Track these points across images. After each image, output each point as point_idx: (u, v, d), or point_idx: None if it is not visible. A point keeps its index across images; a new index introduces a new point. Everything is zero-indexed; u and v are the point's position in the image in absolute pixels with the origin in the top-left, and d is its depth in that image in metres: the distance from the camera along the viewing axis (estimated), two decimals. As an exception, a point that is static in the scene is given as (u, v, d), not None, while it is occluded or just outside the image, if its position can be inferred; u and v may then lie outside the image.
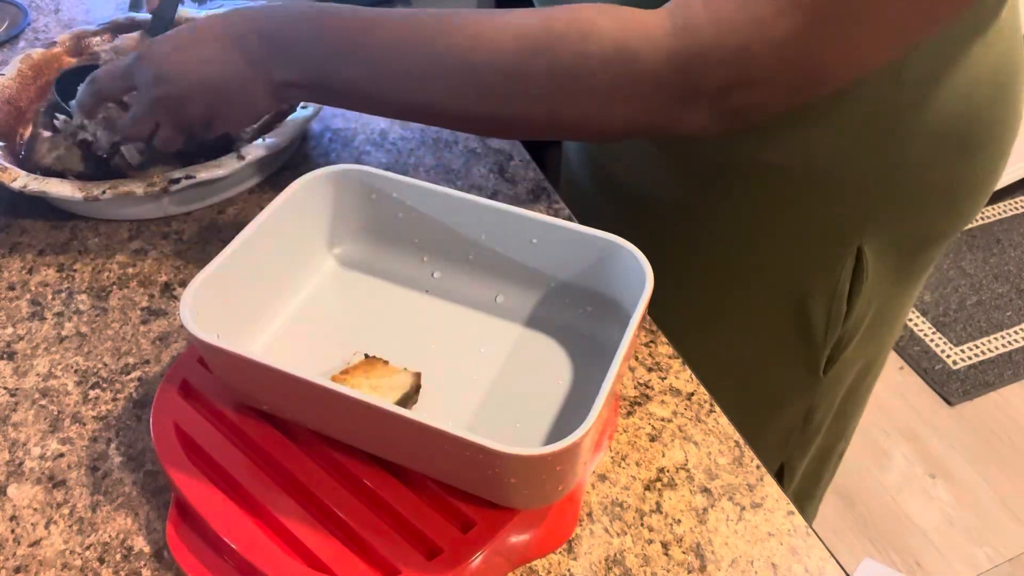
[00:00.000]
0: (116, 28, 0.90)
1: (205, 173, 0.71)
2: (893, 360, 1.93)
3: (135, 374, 0.62)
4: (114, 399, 0.60)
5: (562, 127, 0.55)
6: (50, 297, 0.68)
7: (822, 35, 0.48)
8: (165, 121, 0.65)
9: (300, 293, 0.60)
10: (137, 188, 0.69)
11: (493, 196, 0.77)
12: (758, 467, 0.56)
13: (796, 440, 0.85)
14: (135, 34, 0.84)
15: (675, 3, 0.51)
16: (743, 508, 0.54)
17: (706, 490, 0.55)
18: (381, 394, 0.52)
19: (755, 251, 0.71)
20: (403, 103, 0.57)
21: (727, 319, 0.76)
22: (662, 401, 0.60)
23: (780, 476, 0.91)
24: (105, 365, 0.62)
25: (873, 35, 0.49)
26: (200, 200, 0.75)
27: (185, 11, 0.92)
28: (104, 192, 0.69)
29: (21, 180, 0.70)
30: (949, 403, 1.84)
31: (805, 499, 0.97)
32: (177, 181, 0.70)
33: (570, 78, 0.52)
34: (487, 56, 0.53)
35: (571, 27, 0.51)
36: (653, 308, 0.66)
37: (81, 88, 0.69)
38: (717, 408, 0.59)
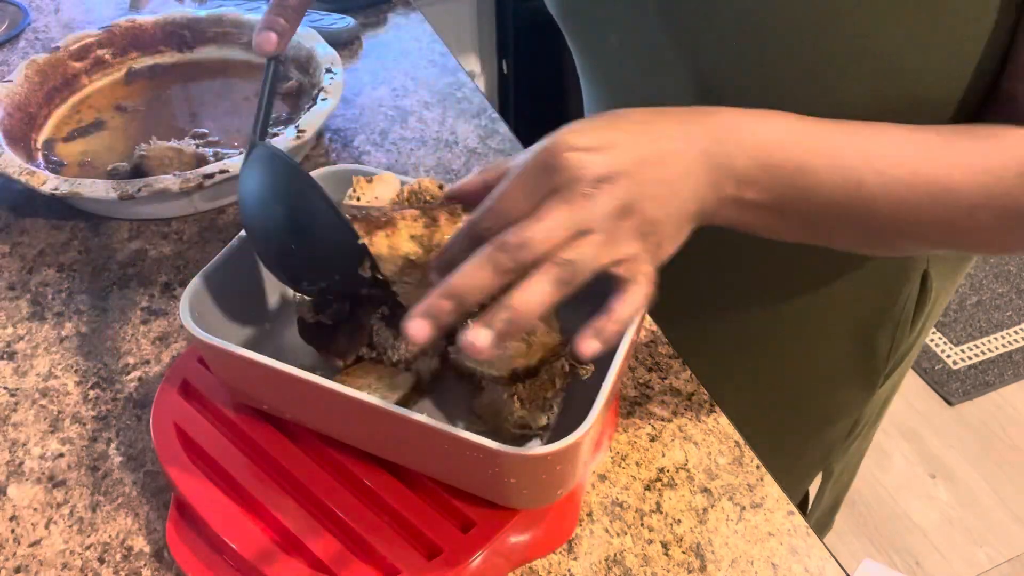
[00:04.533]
0: (117, 30, 0.89)
1: (237, 166, 0.70)
2: (893, 360, 1.92)
3: (135, 374, 0.62)
4: (114, 399, 0.60)
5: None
6: (50, 297, 0.68)
7: None
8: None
9: (300, 293, 0.60)
10: (172, 185, 0.69)
11: (493, 196, 0.77)
12: (758, 467, 0.56)
13: (838, 450, 0.85)
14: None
15: None
16: (743, 508, 0.54)
17: (706, 490, 0.55)
18: (381, 394, 0.52)
19: (818, 275, 0.69)
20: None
21: (786, 340, 0.74)
22: (662, 401, 0.60)
23: (804, 501, 0.90)
24: (105, 365, 0.62)
25: None
26: (228, 195, 0.75)
27: (185, 12, 0.92)
28: (139, 190, 0.69)
29: (51, 183, 0.70)
30: (949, 403, 1.84)
31: (836, 509, 0.96)
32: (211, 176, 0.69)
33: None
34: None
35: None
36: (702, 325, 0.64)
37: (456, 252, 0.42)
38: (717, 408, 0.59)
